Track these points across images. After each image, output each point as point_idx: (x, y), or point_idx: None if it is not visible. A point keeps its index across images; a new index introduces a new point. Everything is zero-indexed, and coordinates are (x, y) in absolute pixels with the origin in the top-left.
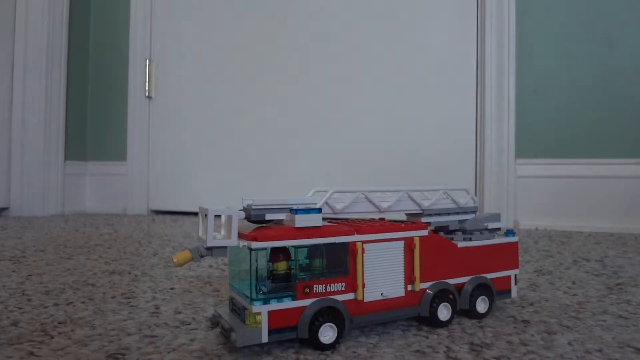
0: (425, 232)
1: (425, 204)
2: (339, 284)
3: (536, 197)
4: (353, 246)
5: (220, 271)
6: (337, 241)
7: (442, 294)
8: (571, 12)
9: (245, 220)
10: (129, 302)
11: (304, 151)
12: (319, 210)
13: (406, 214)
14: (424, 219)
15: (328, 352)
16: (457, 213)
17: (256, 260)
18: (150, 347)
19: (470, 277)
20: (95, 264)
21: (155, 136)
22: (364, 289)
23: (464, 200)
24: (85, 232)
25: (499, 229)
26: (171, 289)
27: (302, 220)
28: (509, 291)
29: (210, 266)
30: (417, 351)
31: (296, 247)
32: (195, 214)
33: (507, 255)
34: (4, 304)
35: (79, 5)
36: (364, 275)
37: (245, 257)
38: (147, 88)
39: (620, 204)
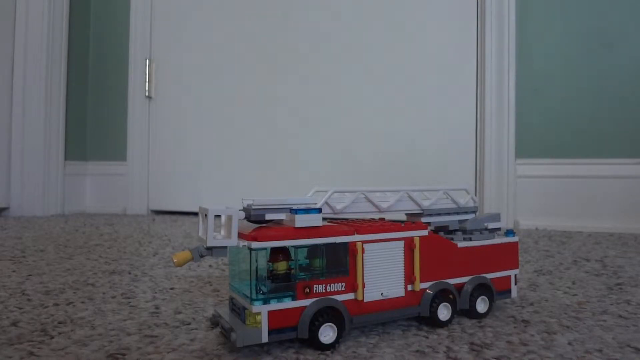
0: (425, 232)
1: (425, 204)
2: (339, 284)
3: (536, 197)
4: (353, 246)
5: (220, 271)
6: (337, 241)
7: (442, 294)
8: (571, 12)
9: (245, 220)
10: (129, 302)
11: (304, 151)
12: (319, 210)
13: (406, 214)
14: (424, 219)
15: (328, 352)
16: (457, 213)
17: (256, 260)
18: (150, 347)
19: (470, 277)
20: (95, 264)
21: (155, 136)
22: (364, 288)
23: (464, 200)
24: (85, 232)
25: (499, 229)
26: (171, 289)
27: (302, 220)
28: (509, 291)
29: (210, 266)
30: (417, 351)
31: (296, 247)
32: (195, 214)
33: (507, 255)
34: (4, 304)
35: (79, 5)
36: (364, 275)
37: (245, 257)
38: (147, 88)
39: (620, 204)
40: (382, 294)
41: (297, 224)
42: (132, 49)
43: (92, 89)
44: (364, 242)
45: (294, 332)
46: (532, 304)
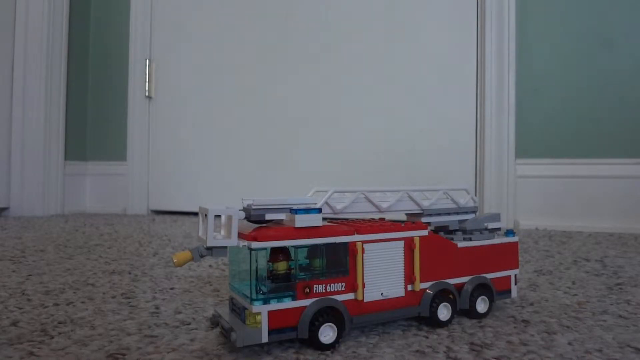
0: (425, 232)
1: (425, 204)
2: (339, 284)
3: (536, 197)
4: (353, 246)
5: (220, 271)
6: (337, 241)
7: (442, 294)
8: (571, 12)
9: (245, 220)
10: (129, 302)
11: (304, 151)
12: (319, 210)
13: (406, 214)
14: (424, 219)
15: (328, 352)
16: (457, 213)
17: (256, 260)
18: (150, 347)
19: (470, 277)
20: (95, 264)
21: (155, 136)
22: (364, 289)
23: (464, 200)
24: (85, 232)
25: (499, 229)
26: (171, 289)
27: (302, 220)
28: (509, 291)
29: (210, 266)
30: (417, 351)
31: (296, 247)
32: (195, 214)
33: (507, 255)
34: (4, 304)
35: (79, 5)
36: (364, 275)
37: (245, 257)
38: (147, 88)
39: (620, 204)
40: (382, 294)
41: (297, 224)
42: (132, 49)
43: (92, 89)
44: (364, 242)
45: (294, 332)
46: (532, 304)
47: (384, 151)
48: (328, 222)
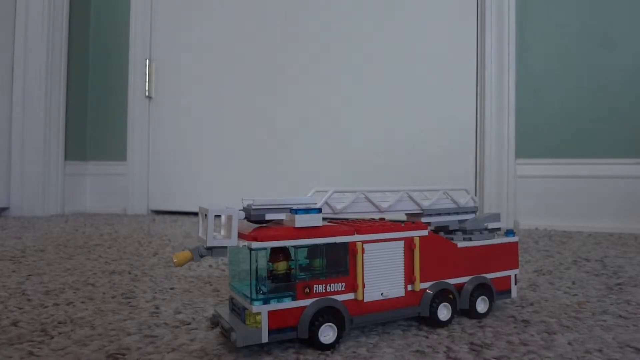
0: (425, 232)
1: (425, 204)
2: (339, 284)
3: (536, 197)
4: (353, 246)
5: (220, 271)
6: (337, 241)
7: (442, 294)
8: (571, 12)
9: (245, 220)
10: (129, 302)
11: (304, 151)
12: (319, 210)
13: (406, 214)
14: (424, 219)
15: (328, 352)
16: (457, 213)
17: (256, 260)
18: (150, 347)
19: (470, 277)
20: (95, 264)
21: (155, 136)
22: (364, 289)
23: (464, 200)
24: (85, 232)
25: (499, 229)
26: (171, 289)
27: (302, 220)
28: (509, 291)
29: (210, 266)
30: (417, 351)
31: (296, 247)
32: (195, 214)
33: (507, 255)
34: (4, 304)
35: (79, 5)
36: (364, 275)
37: (245, 257)
38: (147, 88)
39: (620, 204)
40: (382, 294)
41: (297, 224)
42: (132, 49)
43: (92, 89)
44: (364, 242)
45: (294, 332)
46: (532, 304)
47: (384, 151)
48: (328, 222)
